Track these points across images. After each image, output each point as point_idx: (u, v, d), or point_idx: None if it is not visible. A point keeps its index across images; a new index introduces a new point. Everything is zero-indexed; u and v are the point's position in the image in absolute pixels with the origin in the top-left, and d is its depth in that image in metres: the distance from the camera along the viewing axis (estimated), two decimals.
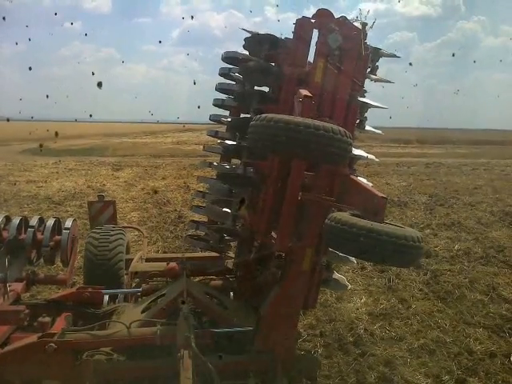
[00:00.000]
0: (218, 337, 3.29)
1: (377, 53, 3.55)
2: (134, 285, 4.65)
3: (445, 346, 4.64)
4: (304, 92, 2.97)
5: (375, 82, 3.62)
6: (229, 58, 3.77)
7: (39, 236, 4.61)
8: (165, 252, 7.54)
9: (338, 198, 3.10)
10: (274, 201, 3.47)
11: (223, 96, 3.97)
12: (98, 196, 6.22)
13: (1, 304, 3.72)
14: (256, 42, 3.56)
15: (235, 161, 3.97)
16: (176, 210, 10.92)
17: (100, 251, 4.51)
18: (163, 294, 3.68)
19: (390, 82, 3.74)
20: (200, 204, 4.62)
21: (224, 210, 3.79)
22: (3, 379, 3.02)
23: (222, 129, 4.05)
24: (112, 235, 4.72)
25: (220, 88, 3.92)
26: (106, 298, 3.97)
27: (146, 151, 28.43)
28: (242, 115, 3.87)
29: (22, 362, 2.99)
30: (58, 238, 4.73)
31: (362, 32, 3.30)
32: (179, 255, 5.47)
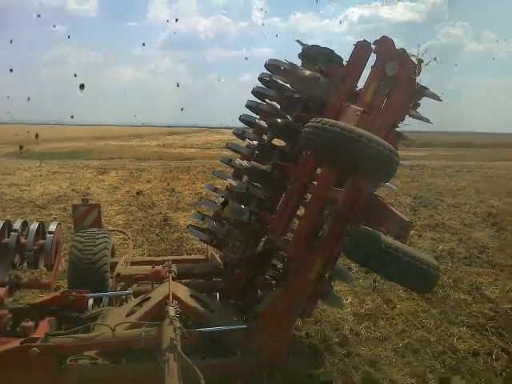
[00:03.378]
0: (205, 339, 3.29)
1: (422, 91, 3.66)
2: (119, 288, 4.62)
3: (429, 345, 4.69)
4: (359, 108, 3.16)
5: (413, 118, 3.73)
6: (272, 65, 4.00)
7: (23, 240, 4.56)
8: (150, 255, 7.51)
9: (364, 215, 3.22)
10: (296, 206, 3.66)
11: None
12: (83, 199, 6.17)
13: None
14: (313, 53, 3.68)
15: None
16: (161, 213, 10.87)
17: (84, 255, 4.47)
18: (148, 298, 3.66)
19: (428, 121, 3.85)
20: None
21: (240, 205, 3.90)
22: None
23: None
24: (97, 238, 4.69)
25: (257, 91, 4.13)
26: (91, 301, 3.94)
27: (131, 154, 28.23)
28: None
29: (4, 367, 2.95)
30: (41, 241, 4.68)
31: (417, 67, 3.46)
32: (165, 258, 5.47)
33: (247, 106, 4.22)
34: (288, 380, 3.70)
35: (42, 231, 4.78)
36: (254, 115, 4.24)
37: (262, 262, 4.20)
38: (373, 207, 3.22)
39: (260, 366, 3.21)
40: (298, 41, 3.76)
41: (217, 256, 5.24)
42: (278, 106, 3.95)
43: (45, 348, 2.92)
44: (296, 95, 3.78)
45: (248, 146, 4.19)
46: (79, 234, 4.86)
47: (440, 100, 3.76)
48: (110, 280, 4.56)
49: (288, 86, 3.88)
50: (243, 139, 4.40)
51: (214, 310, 3.67)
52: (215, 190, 4.52)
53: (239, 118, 4.29)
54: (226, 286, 4.36)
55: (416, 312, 5.44)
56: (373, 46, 3.44)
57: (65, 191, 13.54)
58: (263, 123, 4.03)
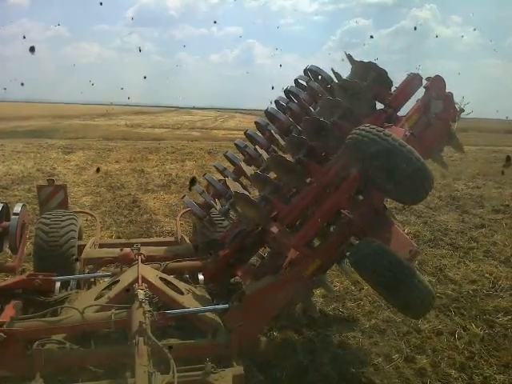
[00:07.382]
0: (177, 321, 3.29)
1: (451, 138, 3.83)
2: (87, 271, 4.55)
3: (395, 325, 4.82)
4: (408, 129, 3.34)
5: (434, 161, 3.90)
6: (312, 71, 4.41)
7: None
8: (119, 237, 7.41)
9: (373, 231, 3.39)
10: (309, 204, 3.72)
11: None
12: (48, 180, 5.99)
13: None
14: (366, 68, 3.74)
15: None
16: (130, 194, 10.75)
17: (51, 237, 4.38)
18: (117, 281, 3.61)
19: (446, 168, 4.05)
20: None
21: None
22: None
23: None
24: (63, 220, 4.59)
25: (290, 91, 4.49)
26: (58, 285, 3.85)
27: (98, 134, 27.60)
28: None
29: None
30: (6, 223, 4.55)
31: (457, 115, 3.65)
32: (134, 240, 5.40)
33: (275, 102, 4.57)
34: (256, 361, 3.75)
35: (5, 213, 4.64)
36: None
37: (250, 249, 4.26)
38: (384, 227, 3.43)
39: (231, 348, 3.21)
40: (348, 56, 3.85)
41: (186, 238, 5.22)
42: (313, 110, 4.12)
43: (11, 332, 2.86)
44: (336, 103, 3.80)
45: (270, 137, 4.40)
46: (45, 215, 4.74)
47: (463, 152, 4.01)
48: (78, 263, 4.48)
49: (326, 93, 4.08)
50: (264, 131, 4.59)
51: (184, 292, 3.66)
52: (224, 170, 4.67)
53: (265, 111, 4.57)
54: (203, 266, 4.32)
55: None
56: (424, 81, 3.58)
57: (29, 171, 13.19)
58: (291, 120, 4.28)
